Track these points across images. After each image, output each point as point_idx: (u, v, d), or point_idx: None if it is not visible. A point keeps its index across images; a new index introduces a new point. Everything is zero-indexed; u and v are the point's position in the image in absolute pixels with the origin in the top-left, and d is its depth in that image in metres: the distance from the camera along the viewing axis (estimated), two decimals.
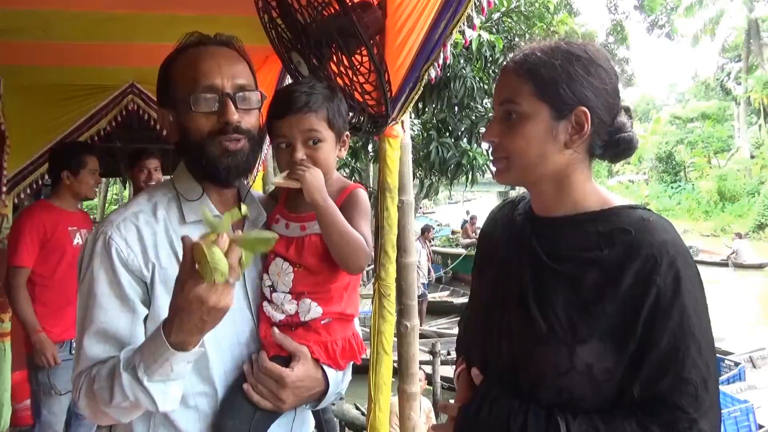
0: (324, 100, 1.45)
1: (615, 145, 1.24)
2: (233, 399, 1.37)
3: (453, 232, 22.54)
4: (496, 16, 9.94)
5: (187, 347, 1.18)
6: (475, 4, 2.01)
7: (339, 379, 1.49)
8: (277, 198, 1.59)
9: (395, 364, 2.60)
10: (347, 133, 1.54)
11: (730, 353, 8.17)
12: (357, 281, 1.53)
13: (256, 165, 1.52)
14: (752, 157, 32.77)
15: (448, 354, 7.90)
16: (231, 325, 1.27)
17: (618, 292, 1.12)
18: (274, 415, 1.41)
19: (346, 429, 6.49)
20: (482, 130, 9.10)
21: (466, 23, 2.07)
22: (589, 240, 1.18)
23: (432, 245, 15.36)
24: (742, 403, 5.81)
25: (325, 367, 1.44)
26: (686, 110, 38.64)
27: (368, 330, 2.54)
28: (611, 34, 29.90)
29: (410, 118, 4.63)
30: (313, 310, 1.42)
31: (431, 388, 7.54)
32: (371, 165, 12.30)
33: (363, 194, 1.50)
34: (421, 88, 2.30)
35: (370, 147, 10.27)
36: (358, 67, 2.19)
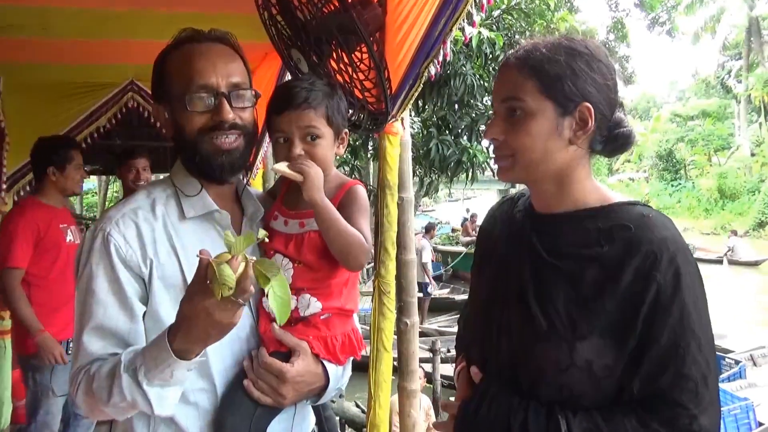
0: (324, 97, 1.46)
1: (614, 140, 1.24)
2: (234, 395, 1.37)
3: (453, 230, 22.54)
4: (496, 13, 9.91)
5: (189, 356, 1.19)
6: (474, 1, 2.01)
7: (339, 374, 1.49)
8: (275, 195, 1.59)
9: (395, 362, 2.60)
10: (346, 130, 1.55)
11: (731, 351, 8.18)
12: (356, 277, 1.54)
13: (256, 162, 1.52)
14: (753, 155, 32.77)
15: (448, 352, 7.91)
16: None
17: (618, 288, 1.11)
18: (274, 411, 1.41)
19: (346, 426, 6.50)
20: (482, 127, 9.12)
21: (465, 20, 2.07)
22: (589, 236, 1.18)
23: (432, 243, 15.41)
24: (742, 400, 5.82)
25: (325, 362, 1.44)
26: (687, 108, 38.63)
27: (368, 327, 2.54)
28: (612, 32, 29.86)
29: (410, 115, 4.62)
30: (312, 305, 1.42)
31: (431, 386, 7.55)
32: (371, 163, 12.30)
33: (362, 191, 1.50)
34: (421, 85, 2.29)
35: (369, 145, 10.26)
36: (358, 64, 2.18)
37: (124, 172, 3.98)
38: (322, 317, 1.44)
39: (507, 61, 1.24)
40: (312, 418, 1.61)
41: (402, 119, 2.48)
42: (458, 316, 1.67)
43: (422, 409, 4.36)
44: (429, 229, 14.48)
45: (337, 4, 2.06)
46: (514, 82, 1.20)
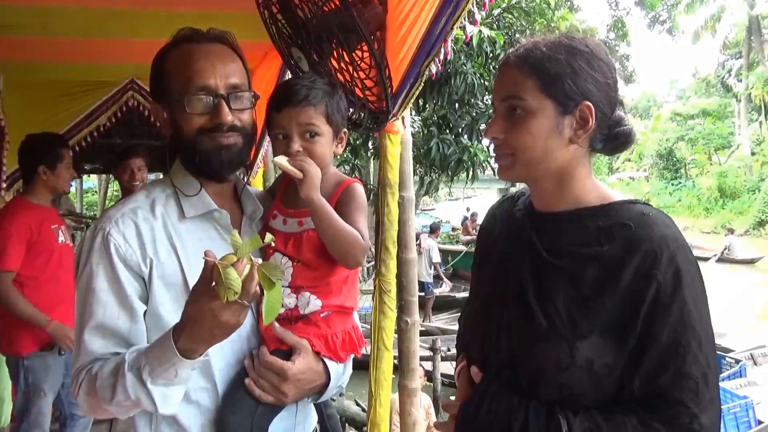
0: (324, 95, 1.46)
1: (614, 139, 1.24)
2: (235, 394, 1.38)
3: (453, 229, 22.54)
4: (496, 12, 9.90)
5: (194, 355, 1.20)
6: None
7: (340, 372, 1.50)
8: (274, 193, 1.59)
9: (395, 360, 2.60)
10: (345, 130, 1.55)
11: (731, 350, 8.19)
12: (356, 274, 1.54)
13: (256, 161, 1.52)
14: (753, 154, 32.77)
15: (449, 350, 7.92)
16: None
17: (618, 287, 1.11)
18: (276, 409, 1.42)
19: (347, 425, 6.51)
20: (483, 126, 9.11)
21: (466, 19, 2.06)
22: (589, 235, 1.18)
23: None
24: (741, 399, 5.83)
25: (326, 360, 1.45)
26: (687, 107, 38.62)
27: (369, 326, 2.54)
28: (612, 31, 29.87)
29: (411, 114, 4.62)
30: (312, 303, 1.42)
31: (431, 384, 7.56)
32: (371, 162, 12.30)
33: (359, 188, 1.51)
34: (422, 84, 2.29)
35: (370, 144, 10.26)
36: (359, 62, 2.18)
37: (119, 173, 3.97)
38: (322, 315, 1.44)
39: (507, 59, 1.24)
40: (314, 416, 1.62)
41: (403, 118, 2.48)
42: (459, 314, 1.67)
43: (422, 408, 4.37)
44: (434, 230, 14.77)
45: (337, 3, 2.06)
46: (514, 80, 1.20)
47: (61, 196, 6.38)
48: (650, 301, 1.09)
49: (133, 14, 3.22)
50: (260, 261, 1.10)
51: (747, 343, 8.90)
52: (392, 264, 2.52)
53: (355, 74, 2.20)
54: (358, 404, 6.96)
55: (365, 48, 2.14)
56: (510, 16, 10.30)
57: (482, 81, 9.09)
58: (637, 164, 39.39)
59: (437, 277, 13.46)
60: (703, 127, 35.93)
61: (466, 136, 9.75)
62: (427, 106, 9.71)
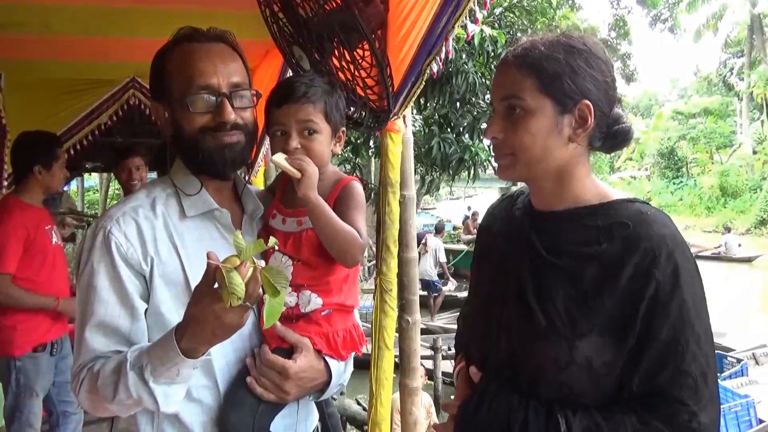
0: (323, 94, 1.47)
1: (613, 137, 1.25)
2: (237, 392, 1.38)
3: (454, 228, 22.52)
4: (498, 11, 9.90)
5: (196, 354, 1.20)
6: None
7: (341, 370, 1.50)
8: (274, 192, 1.60)
9: (396, 359, 2.60)
10: (343, 129, 1.56)
11: (732, 349, 8.18)
12: (356, 273, 1.54)
13: (257, 159, 1.53)
14: (754, 152, 32.73)
15: (449, 349, 7.91)
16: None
17: (617, 286, 1.12)
18: (278, 407, 1.42)
19: (348, 424, 6.52)
20: (484, 125, 9.10)
21: (468, 17, 2.06)
22: (588, 234, 1.18)
23: None
24: (742, 398, 5.82)
25: (328, 358, 1.45)
26: (688, 106, 38.55)
27: (370, 325, 2.54)
28: (613, 29, 29.80)
29: (412, 113, 4.61)
30: (313, 301, 1.43)
31: (432, 383, 7.56)
32: (372, 161, 12.30)
33: (358, 187, 1.51)
34: (423, 82, 2.29)
35: (371, 142, 10.25)
36: (360, 61, 2.18)
37: (118, 172, 3.98)
38: (323, 313, 1.44)
39: (506, 59, 1.24)
40: (315, 415, 1.62)
41: (404, 117, 2.48)
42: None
43: (423, 407, 4.37)
44: (439, 229, 14.99)
45: (339, 1, 2.06)
46: (513, 80, 1.20)
47: (61, 195, 6.40)
48: (649, 300, 1.09)
49: (134, 12, 3.22)
50: (263, 263, 1.10)
51: (747, 342, 8.89)
52: (393, 263, 2.52)
53: (356, 73, 2.20)
54: (358, 403, 6.96)
55: (366, 47, 2.14)
56: (511, 15, 10.30)
57: (484, 80, 9.08)
58: (639, 163, 39.37)
59: (442, 276, 13.54)
60: (705, 125, 35.89)
61: (467, 135, 9.75)
62: (428, 105, 9.71)
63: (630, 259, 1.11)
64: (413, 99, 2.38)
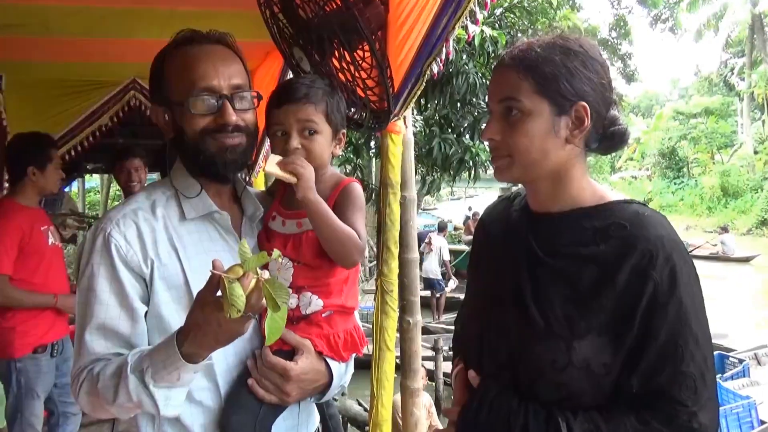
0: (324, 95, 1.48)
1: (609, 138, 1.25)
2: (238, 394, 1.38)
3: (455, 229, 22.50)
4: (498, 11, 9.89)
5: (197, 359, 1.20)
6: None
7: (342, 372, 1.51)
8: (273, 194, 1.59)
9: (397, 360, 2.60)
10: (344, 131, 1.56)
11: (733, 350, 8.17)
12: (356, 274, 1.54)
13: (257, 161, 1.52)
14: (756, 152, 32.70)
15: (450, 350, 7.89)
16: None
17: (615, 287, 1.12)
18: (279, 409, 1.42)
19: (349, 425, 6.51)
20: (485, 126, 9.07)
21: (468, 18, 2.06)
22: (585, 235, 1.18)
23: None
24: (744, 399, 5.81)
25: (329, 360, 1.45)
26: (689, 106, 38.50)
27: (370, 326, 2.54)
28: (614, 29, 29.80)
29: (412, 114, 4.61)
30: (314, 303, 1.43)
31: (433, 383, 7.56)
32: (373, 161, 12.30)
33: (357, 188, 1.51)
34: (424, 83, 2.28)
35: (372, 143, 10.26)
36: (360, 62, 2.17)
37: (117, 173, 3.99)
38: (323, 315, 1.45)
39: (502, 60, 1.24)
40: (316, 416, 1.63)
41: (404, 118, 2.48)
42: None
43: (423, 407, 4.36)
44: (442, 228, 14.99)
45: (339, 2, 2.06)
46: (509, 82, 1.20)
47: (63, 196, 6.40)
48: (647, 301, 1.10)
49: (135, 13, 3.22)
50: (267, 275, 1.09)
51: (747, 343, 8.89)
52: (394, 264, 2.52)
53: (356, 74, 2.19)
54: (360, 404, 6.96)
55: (367, 48, 2.13)
56: (512, 15, 10.29)
57: (484, 81, 9.06)
58: (640, 163, 39.34)
59: (444, 275, 13.56)
60: (706, 125, 35.85)
61: (468, 136, 9.75)
62: (428, 105, 9.70)
63: (627, 261, 1.12)
64: (414, 100, 2.38)
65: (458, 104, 9.60)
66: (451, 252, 16.99)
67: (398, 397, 2.89)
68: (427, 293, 12.49)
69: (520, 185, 1.36)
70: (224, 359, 1.38)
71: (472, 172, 9.93)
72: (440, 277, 12.90)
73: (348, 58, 2.18)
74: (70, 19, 3.26)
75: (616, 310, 1.12)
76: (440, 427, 5.38)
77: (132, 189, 3.93)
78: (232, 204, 1.52)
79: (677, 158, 36.32)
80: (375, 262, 2.65)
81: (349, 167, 10.93)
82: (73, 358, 1.36)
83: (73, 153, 4.72)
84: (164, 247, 1.37)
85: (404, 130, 2.51)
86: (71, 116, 4.68)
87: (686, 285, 1.11)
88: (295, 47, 2.33)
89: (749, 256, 21.18)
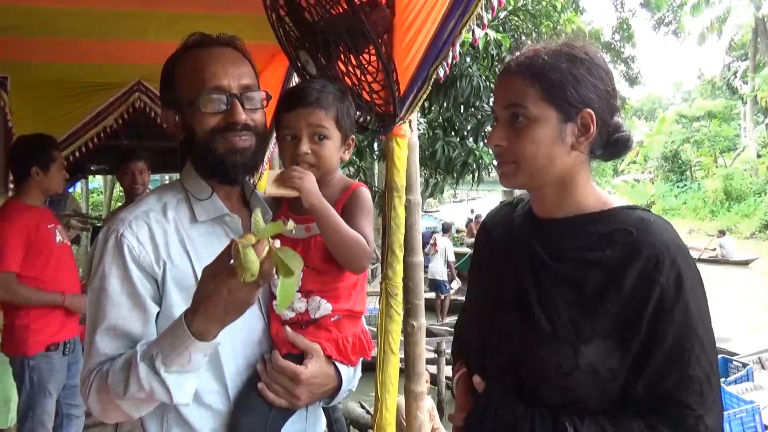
0: (335, 100, 1.48)
1: (614, 145, 1.26)
2: (248, 397, 1.38)
3: (458, 231, 22.47)
4: (502, 14, 9.88)
5: (207, 337, 1.20)
6: (484, 3, 2.00)
7: (351, 375, 1.51)
8: (281, 198, 1.59)
9: (402, 364, 2.59)
10: (353, 136, 1.56)
11: (736, 354, 8.15)
12: (364, 279, 1.55)
13: (262, 163, 1.52)
14: (759, 156, 32.60)
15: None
16: (242, 324, 1.28)
17: (621, 291, 1.13)
18: (288, 413, 1.43)
19: (351, 427, 6.51)
20: (488, 129, 9.10)
21: (475, 22, 2.06)
22: (590, 240, 1.19)
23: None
24: (748, 403, 5.78)
25: (338, 364, 1.46)
26: (692, 109, 38.40)
27: (374, 329, 2.53)
28: (617, 32, 29.80)
29: (416, 116, 4.61)
30: (323, 307, 1.43)
31: (435, 387, 7.55)
32: (376, 164, 12.29)
33: (365, 193, 1.51)
34: (430, 87, 2.28)
35: (375, 146, 10.25)
36: (366, 66, 2.18)
37: (121, 175, 4.02)
38: (332, 319, 1.45)
39: (508, 67, 1.25)
40: (323, 420, 1.63)
41: (410, 121, 2.48)
42: None
43: (426, 410, 4.36)
44: (447, 229, 15.13)
45: (345, 6, 2.06)
46: (516, 89, 1.21)
47: (67, 197, 6.41)
48: (654, 305, 1.10)
49: (139, 15, 3.23)
50: (278, 244, 1.11)
51: (745, 345, 8.86)
52: (399, 267, 2.52)
53: (362, 77, 2.20)
54: (362, 406, 6.95)
55: (373, 51, 2.14)
56: (516, 18, 10.29)
57: (488, 83, 9.06)
58: (642, 166, 39.25)
59: (449, 276, 13.56)
60: (709, 129, 35.72)
61: (471, 139, 9.74)
62: (432, 108, 9.70)
63: (633, 265, 1.12)
64: (419, 103, 2.38)
65: (462, 107, 9.60)
66: (455, 254, 17.01)
67: (402, 400, 2.89)
68: (432, 295, 12.49)
69: (523, 190, 1.36)
70: (234, 362, 1.39)
71: (476, 175, 9.93)
72: (446, 278, 12.90)
73: (354, 62, 2.18)
74: (75, 21, 3.27)
75: (621, 315, 1.12)
76: (443, 430, 5.38)
77: (135, 191, 3.95)
78: (242, 207, 1.52)
79: (680, 162, 36.22)
80: (378, 265, 2.64)
81: (352, 169, 10.93)
82: (83, 360, 1.35)
83: (77, 154, 4.74)
84: (176, 249, 1.37)
85: (410, 134, 2.51)
86: (76, 118, 4.70)
87: (691, 289, 1.12)
88: (301, 50, 2.33)
89: (748, 260, 21.17)
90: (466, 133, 9.75)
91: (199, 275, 1.34)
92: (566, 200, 1.25)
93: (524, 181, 1.25)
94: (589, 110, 1.18)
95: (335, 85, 1.56)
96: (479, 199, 36.87)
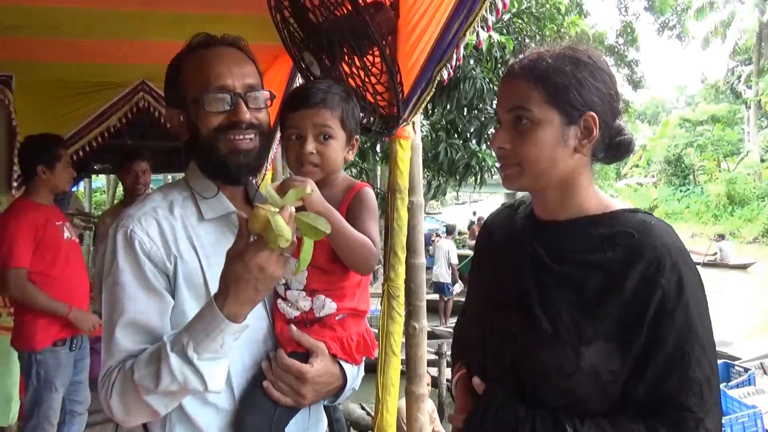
0: (340, 100, 1.48)
1: (616, 148, 1.27)
2: (253, 396, 1.38)
3: (460, 233, 22.47)
4: (506, 17, 9.89)
5: (238, 319, 1.20)
6: (489, 4, 2.00)
7: (355, 374, 1.52)
8: None
9: (403, 366, 2.59)
10: (357, 137, 1.56)
11: (738, 358, 8.13)
12: (368, 278, 1.55)
13: (264, 164, 1.52)
14: (762, 160, 32.54)
15: None
16: (246, 322, 1.27)
17: (622, 294, 1.13)
18: (293, 411, 1.43)
19: (351, 429, 6.51)
20: (491, 131, 9.10)
21: (479, 24, 2.05)
22: (592, 243, 1.19)
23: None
24: (750, 408, 5.77)
25: (342, 362, 1.46)
26: (696, 113, 38.33)
27: (376, 330, 2.53)
28: (621, 36, 29.80)
29: (419, 118, 4.62)
30: (327, 306, 1.43)
31: (437, 389, 7.54)
32: (379, 165, 12.30)
33: (370, 193, 1.51)
34: (433, 89, 2.28)
35: (378, 147, 10.26)
36: (370, 67, 2.18)
37: (123, 175, 4.03)
38: (337, 318, 1.45)
39: (512, 70, 1.25)
40: (325, 419, 1.63)
41: (413, 123, 2.48)
42: None
43: (427, 413, 4.35)
44: (450, 231, 15.12)
45: (349, 7, 2.06)
46: (520, 91, 1.21)
47: (70, 196, 6.43)
48: (655, 308, 1.11)
49: (143, 15, 3.24)
50: (292, 209, 1.14)
51: (750, 351, 8.84)
52: (401, 269, 2.52)
53: (366, 79, 2.20)
54: (362, 408, 6.95)
55: (377, 53, 2.14)
56: (520, 21, 10.30)
57: (491, 86, 9.07)
58: (645, 170, 39.20)
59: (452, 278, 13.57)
60: (712, 133, 35.66)
61: (474, 141, 9.75)
62: (435, 110, 9.71)
63: (635, 268, 1.13)
64: (423, 105, 2.38)
65: (465, 109, 9.62)
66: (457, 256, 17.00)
67: (402, 402, 2.89)
68: (436, 297, 12.48)
69: (525, 192, 1.36)
70: (239, 361, 1.38)
71: (478, 177, 9.93)
72: (449, 280, 12.88)
73: (358, 63, 2.18)
74: (80, 21, 3.28)
75: (622, 317, 1.13)
76: None
77: (138, 191, 3.96)
78: (246, 207, 1.52)
79: (683, 166, 36.16)
80: (381, 266, 2.65)
81: (354, 171, 10.94)
82: (102, 358, 1.33)
83: (81, 153, 4.76)
84: (185, 245, 1.37)
85: (413, 136, 2.51)
86: (80, 117, 4.72)
87: (692, 292, 1.13)
88: (306, 51, 2.33)
89: (746, 263, 21.19)
90: (469, 136, 9.76)
91: (207, 272, 1.35)
92: (568, 202, 1.25)
93: (527, 183, 1.25)
94: (592, 113, 1.19)
95: (340, 85, 1.56)
96: (482, 202, 36.81)
